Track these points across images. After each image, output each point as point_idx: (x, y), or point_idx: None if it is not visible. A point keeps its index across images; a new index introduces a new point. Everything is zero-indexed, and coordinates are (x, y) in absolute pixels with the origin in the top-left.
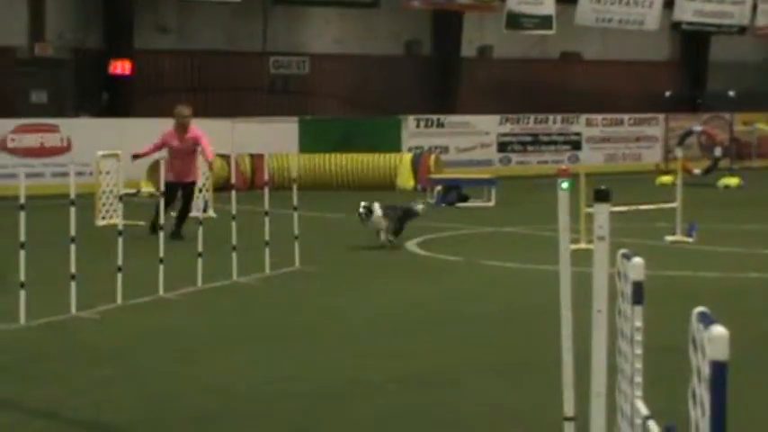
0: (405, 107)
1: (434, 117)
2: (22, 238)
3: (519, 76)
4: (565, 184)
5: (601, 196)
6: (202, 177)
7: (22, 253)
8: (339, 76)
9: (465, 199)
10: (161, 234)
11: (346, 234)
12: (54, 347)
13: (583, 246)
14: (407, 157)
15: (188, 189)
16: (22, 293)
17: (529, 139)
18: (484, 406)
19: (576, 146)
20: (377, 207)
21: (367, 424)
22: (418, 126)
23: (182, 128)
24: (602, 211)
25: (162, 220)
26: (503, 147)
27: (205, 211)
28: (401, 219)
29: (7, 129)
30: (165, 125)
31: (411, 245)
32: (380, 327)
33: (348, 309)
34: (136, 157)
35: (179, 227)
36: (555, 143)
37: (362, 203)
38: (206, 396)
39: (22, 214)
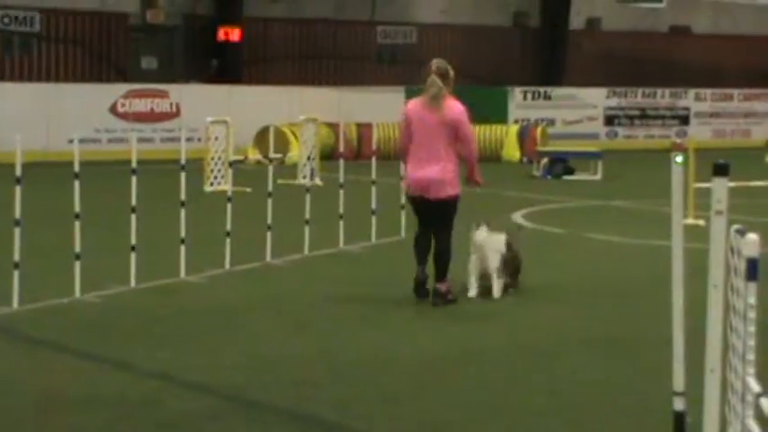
0: (511, 79)
1: (541, 89)
2: (134, 202)
3: (627, 49)
4: (679, 159)
5: (720, 170)
6: (309, 147)
7: (134, 217)
8: (446, 46)
9: (571, 172)
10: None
11: None
12: (164, 311)
13: (690, 221)
14: (514, 128)
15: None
16: (133, 256)
17: (636, 112)
18: (588, 379)
19: (685, 121)
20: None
21: (463, 392)
22: (525, 98)
23: (434, 101)
24: (720, 186)
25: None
26: (610, 120)
27: (312, 179)
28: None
29: (118, 93)
30: (272, 93)
31: (517, 216)
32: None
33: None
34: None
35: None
36: (663, 117)
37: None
38: (311, 362)
39: (134, 179)
